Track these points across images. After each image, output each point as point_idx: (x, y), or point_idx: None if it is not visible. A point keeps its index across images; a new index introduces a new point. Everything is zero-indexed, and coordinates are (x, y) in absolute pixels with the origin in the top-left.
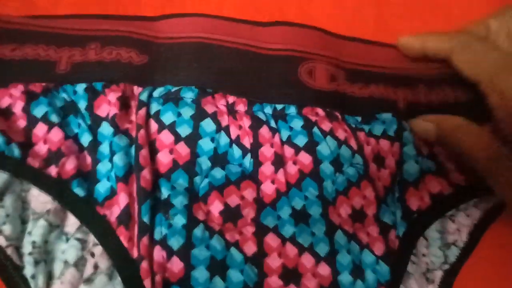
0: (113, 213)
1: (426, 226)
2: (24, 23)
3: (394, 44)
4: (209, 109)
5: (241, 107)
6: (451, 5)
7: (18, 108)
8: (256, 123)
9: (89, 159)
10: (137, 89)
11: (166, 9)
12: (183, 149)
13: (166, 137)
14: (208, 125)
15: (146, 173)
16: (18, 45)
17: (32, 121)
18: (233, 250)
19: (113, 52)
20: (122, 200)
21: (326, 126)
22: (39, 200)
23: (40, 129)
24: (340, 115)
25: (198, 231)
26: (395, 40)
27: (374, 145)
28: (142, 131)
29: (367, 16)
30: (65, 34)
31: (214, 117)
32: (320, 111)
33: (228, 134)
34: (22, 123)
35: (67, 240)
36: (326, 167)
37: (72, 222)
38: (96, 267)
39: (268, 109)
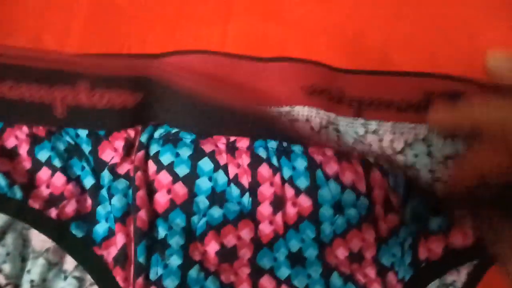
0: (110, 253)
1: (433, 278)
2: (20, 56)
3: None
4: (207, 148)
5: (242, 143)
6: (458, 35)
7: (23, 150)
8: (256, 161)
9: (89, 201)
10: (139, 128)
11: (169, 45)
12: (180, 189)
13: (164, 177)
14: (205, 164)
15: (142, 214)
16: (15, 83)
17: (37, 165)
18: None
19: (104, 96)
20: (119, 240)
21: (331, 168)
22: (39, 238)
23: (44, 173)
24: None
25: (193, 272)
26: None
27: (387, 188)
28: (139, 173)
29: (370, 49)
30: (56, 69)
31: (212, 156)
32: (328, 151)
33: (226, 173)
34: (27, 165)
35: (65, 278)
36: (326, 210)
37: (70, 260)
38: None
39: (273, 144)
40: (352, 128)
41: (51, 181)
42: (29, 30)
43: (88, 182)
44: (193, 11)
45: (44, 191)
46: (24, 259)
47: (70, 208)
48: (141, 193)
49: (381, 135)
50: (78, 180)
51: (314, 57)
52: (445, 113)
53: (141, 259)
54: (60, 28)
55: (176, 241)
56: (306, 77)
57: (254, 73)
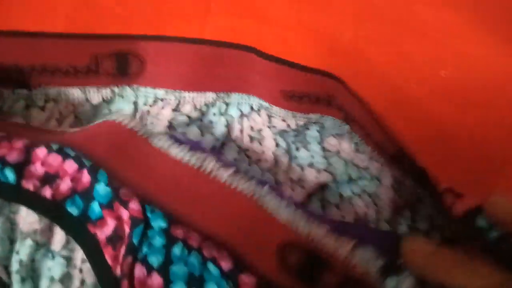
0: (103, 232)
1: None
2: None
3: None
4: None
5: None
6: (426, 29)
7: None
8: None
9: (88, 177)
10: None
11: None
12: None
13: None
14: None
15: (134, 205)
16: None
17: (35, 142)
18: (210, 265)
19: None
20: (110, 224)
21: None
22: (27, 220)
23: (41, 151)
24: None
25: (177, 250)
26: (370, 67)
27: None
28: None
29: (345, 46)
30: None
31: None
32: None
33: None
34: (24, 142)
35: (53, 257)
36: None
37: (58, 240)
38: (82, 282)
39: None
40: (339, 128)
41: (47, 159)
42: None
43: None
44: (172, 6)
45: (39, 169)
46: (12, 241)
47: (65, 186)
48: (123, 190)
49: (361, 150)
50: (76, 158)
51: (289, 52)
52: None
53: (136, 241)
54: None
55: (158, 225)
56: (287, 82)
57: (237, 62)
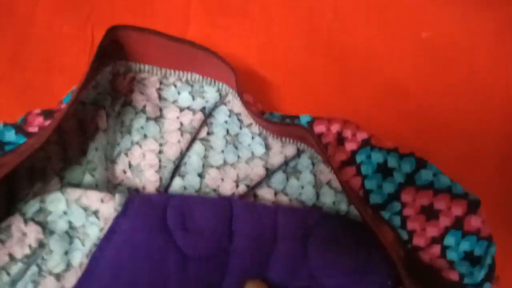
0: None
1: None
2: None
3: None
4: None
5: None
6: (407, 11)
7: None
8: None
9: None
10: None
11: (138, 15)
12: None
13: None
14: None
15: None
16: None
17: None
18: None
19: None
20: None
21: None
22: None
23: None
24: None
25: None
26: (351, 39)
27: None
28: None
29: (323, 16)
30: None
31: None
32: None
33: None
34: None
35: None
36: None
37: None
38: None
39: None
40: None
41: None
42: None
43: None
44: None
45: None
46: None
47: None
48: None
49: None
50: None
51: (273, 27)
52: None
53: None
54: None
55: None
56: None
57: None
